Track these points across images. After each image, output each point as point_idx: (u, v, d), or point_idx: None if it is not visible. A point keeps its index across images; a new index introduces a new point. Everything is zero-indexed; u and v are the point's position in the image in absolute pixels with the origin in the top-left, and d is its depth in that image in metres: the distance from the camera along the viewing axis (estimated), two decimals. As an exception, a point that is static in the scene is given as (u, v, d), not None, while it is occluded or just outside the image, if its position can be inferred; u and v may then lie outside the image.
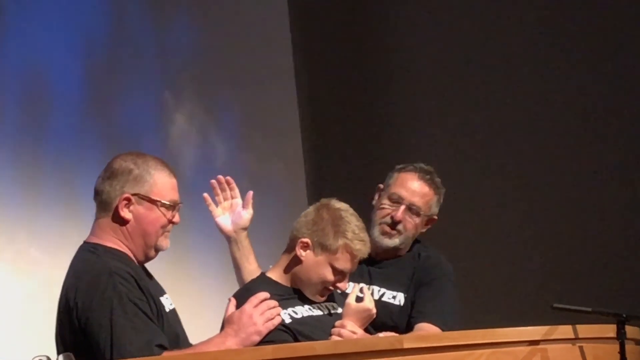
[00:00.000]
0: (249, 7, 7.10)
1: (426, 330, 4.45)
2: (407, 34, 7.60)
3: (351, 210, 4.38)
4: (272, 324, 4.01)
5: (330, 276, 4.24)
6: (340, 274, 4.24)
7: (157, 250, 4.03)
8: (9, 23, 6.46)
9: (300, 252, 4.25)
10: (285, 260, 4.32)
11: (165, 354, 3.71)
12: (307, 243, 4.24)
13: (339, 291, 4.40)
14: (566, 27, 7.31)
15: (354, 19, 7.75)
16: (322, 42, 7.70)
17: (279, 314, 4.07)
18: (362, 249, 4.27)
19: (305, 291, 4.28)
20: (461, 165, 7.24)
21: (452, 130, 7.48)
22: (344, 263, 4.23)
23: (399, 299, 4.67)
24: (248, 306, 4.01)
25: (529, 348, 3.83)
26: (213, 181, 4.67)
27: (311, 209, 4.42)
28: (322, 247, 4.24)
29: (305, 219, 4.34)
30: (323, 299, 4.33)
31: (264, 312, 4.01)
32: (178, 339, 3.97)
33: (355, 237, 4.26)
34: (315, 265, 4.27)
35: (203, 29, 7.15)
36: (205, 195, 4.65)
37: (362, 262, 4.44)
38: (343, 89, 7.67)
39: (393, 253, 4.72)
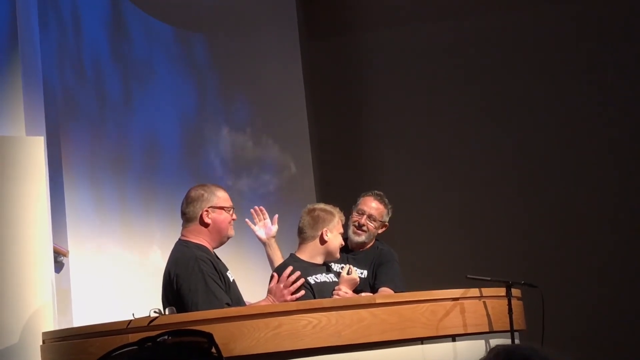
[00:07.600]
0: (275, 90, 7.61)
1: (385, 291, 4.93)
2: (386, 108, 8.27)
3: (323, 205, 4.88)
4: (295, 297, 4.29)
5: (341, 240, 4.81)
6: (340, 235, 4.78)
7: (227, 237, 4.34)
8: (136, 104, 7.15)
9: (327, 237, 4.71)
10: (309, 247, 4.72)
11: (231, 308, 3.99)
12: (327, 231, 4.72)
13: (337, 270, 4.84)
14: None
15: (353, 87, 8.34)
16: (328, 105, 8.30)
17: (302, 284, 4.34)
18: (342, 216, 4.84)
19: (335, 256, 4.73)
20: (413, 179, 8.04)
21: (408, 156, 8.20)
22: (340, 227, 4.81)
23: (365, 274, 5.12)
24: (280, 283, 4.30)
25: (452, 302, 4.18)
26: (252, 210, 5.18)
27: (305, 215, 4.75)
28: (332, 226, 4.75)
29: (309, 223, 4.74)
30: (339, 257, 4.81)
31: (289, 286, 4.31)
32: (239, 301, 4.25)
33: (337, 212, 4.83)
34: (335, 238, 4.78)
35: (254, 103, 7.67)
36: (247, 220, 5.13)
37: (343, 252, 4.89)
38: (344, 137, 8.26)
39: (362, 246, 5.27)
